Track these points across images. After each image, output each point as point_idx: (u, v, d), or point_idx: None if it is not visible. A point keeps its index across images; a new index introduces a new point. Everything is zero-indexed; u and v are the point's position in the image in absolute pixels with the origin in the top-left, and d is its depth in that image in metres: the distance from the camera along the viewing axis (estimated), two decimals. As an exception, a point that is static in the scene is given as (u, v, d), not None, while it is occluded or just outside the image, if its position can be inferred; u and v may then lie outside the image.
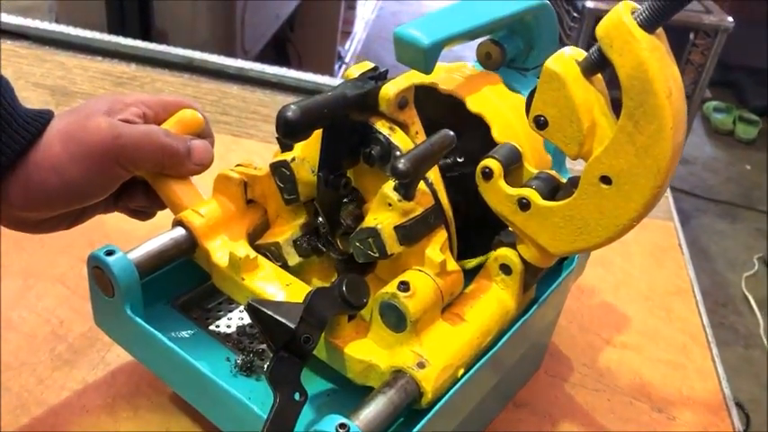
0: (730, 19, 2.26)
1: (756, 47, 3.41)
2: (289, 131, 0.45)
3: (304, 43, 2.64)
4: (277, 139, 0.55)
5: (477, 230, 0.56)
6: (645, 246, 0.91)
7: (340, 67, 2.82)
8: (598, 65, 0.43)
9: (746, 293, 2.46)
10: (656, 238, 0.93)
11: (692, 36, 2.29)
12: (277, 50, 2.56)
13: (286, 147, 0.55)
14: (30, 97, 1.03)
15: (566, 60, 0.44)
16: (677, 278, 0.87)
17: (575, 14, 2.28)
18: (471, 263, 0.58)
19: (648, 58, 0.40)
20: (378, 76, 0.51)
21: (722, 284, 2.51)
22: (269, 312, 0.45)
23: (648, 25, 0.40)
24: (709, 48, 2.30)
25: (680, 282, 0.86)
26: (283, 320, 0.44)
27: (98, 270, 0.52)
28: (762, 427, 1.99)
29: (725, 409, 0.70)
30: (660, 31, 0.41)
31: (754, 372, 2.18)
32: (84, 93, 1.07)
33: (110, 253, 0.51)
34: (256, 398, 0.51)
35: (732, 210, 2.93)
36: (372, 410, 0.44)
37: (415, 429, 0.45)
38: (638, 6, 0.41)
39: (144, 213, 0.62)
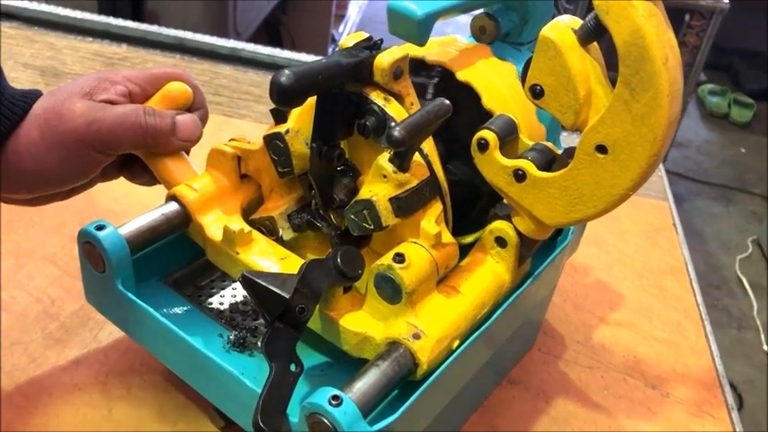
0: (726, 0, 2.26)
1: (751, 30, 3.41)
2: (282, 97, 0.44)
3: (297, 26, 2.63)
4: (271, 111, 0.55)
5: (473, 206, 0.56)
6: (639, 225, 0.91)
7: (333, 50, 2.80)
8: (594, 33, 0.43)
9: (740, 276, 2.47)
10: (650, 217, 0.93)
11: (687, 17, 2.28)
12: (270, 34, 2.54)
13: (280, 119, 0.55)
14: (19, 78, 1.02)
15: (562, 28, 0.44)
16: (671, 257, 0.87)
17: (569, -5, 2.27)
18: (467, 238, 0.57)
19: (645, 24, 0.39)
20: (372, 46, 0.51)
21: (716, 267, 2.52)
22: (263, 283, 0.44)
23: (645, -9, 0.40)
24: (705, 29, 2.29)
25: (674, 261, 0.86)
26: (278, 291, 0.44)
27: (89, 245, 0.51)
28: (754, 408, 2.01)
29: (718, 386, 0.70)
30: (657, -3, 0.41)
31: (747, 353, 2.19)
32: (74, 73, 1.06)
33: (100, 228, 0.51)
34: (249, 373, 0.50)
35: (726, 193, 2.93)
36: (366, 382, 0.43)
37: (411, 399, 0.44)
38: (635, -28, 0.40)
39: (148, 183, 0.61)
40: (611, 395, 0.68)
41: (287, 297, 0.44)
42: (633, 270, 0.83)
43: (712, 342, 0.76)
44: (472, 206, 0.56)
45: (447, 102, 0.47)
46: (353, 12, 3.27)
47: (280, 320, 0.45)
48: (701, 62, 2.35)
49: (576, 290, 0.79)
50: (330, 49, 2.78)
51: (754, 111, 3.37)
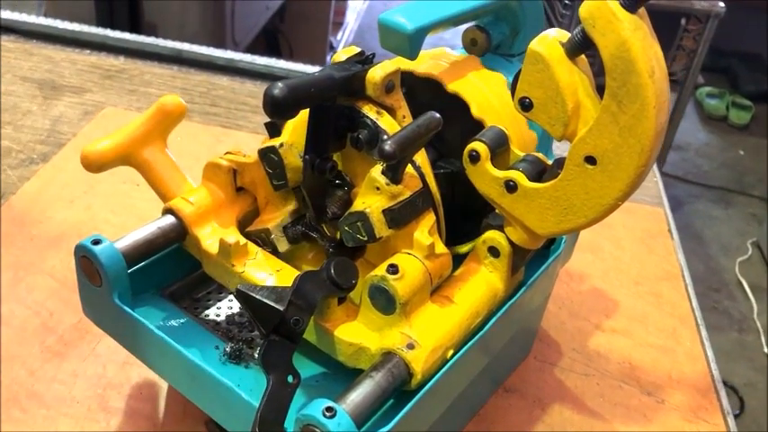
0: (722, 4, 2.26)
1: (749, 32, 3.41)
2: (275, 109, 0.45)
3: (295, 34, 2.64)
4: (265, 125, 0.55)
5: (466, 217, 0.56)
6: (634, 231, 0.91)
7: (331, 57, 2.81)
8: (582, 46, 0.43)
9: (740, 278, 2.47)
10: (645, 223, 0.93)
11: (683, 21, 2.29)
12: (268, 42, 2.55)
13: (274, 133, 0.55)
14: (17, 91, 1.02)
15: (550, 42, 0.44)
16: (667, 263, 0.87)
17: (566, 1, 2.28)
18: (461, 248, 0.58)
19: (631, 38, 0.40)
20: (364, 61, 0.51)
21: (716, 270, 2.53)
22: (257, 297, 0.45)
23: (631, 6, 0.40)
24: (701, 33, 2.30)
25: (669, 267, 0.86)
26: (272, 304, 0.44)
27: (85, 259, 0.52)
28: (756, 411, 2.01)
29: (713, 392, 0.71)
30: (642, 11, 0.41)
31: (748, 356, 2.19)
32: (72, 86, 1.07)
33: (96, 242, 0.51)
34: (245, 385, 0.51)
35: (725, 195, 2.94)
36: (360, 394, 0.44)
37: (405, 409, 0.45)
38: (621, -14, 0.41)
39: None
40: (606, 402, 0.68)
41: (281, 310, 0.44)
42: (629, 277, 0.84)
43: (708, 348, 0.76)
44: (464, 217, 0.57)
45: (437, 115, 0.48)
46: (351, 19, 3.28)
47: (275, 333, 0.45)
48: (698, 65, 2.36)
49: (571, 297, 0.80)
50: (328, 57, 2.79)
51: (752, 113, 3.37)
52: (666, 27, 2.28)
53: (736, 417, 1.98)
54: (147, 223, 0.55)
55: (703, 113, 3.43)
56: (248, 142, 0.99)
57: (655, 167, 1.07)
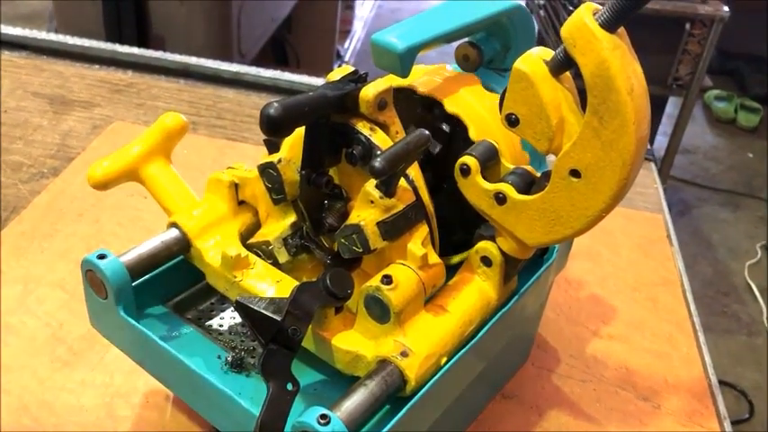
0: (726, 8, 2.27)
1: (756, 34, 3.41)
2: (271, 127, 0.47)
3: (302, 44, 2.66)
4: (264, 141, 0.57)
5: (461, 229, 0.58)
6: (633, 238, 0.92)
7: (339, 66, 2.84)
8: (564, 64, 0.45)
9: (749, 281, 2.46)
10: (644, 230, 0.94)
11: (687, 26, 2.29)
12: (275, 52, 2.58)
13: (273, 149, 0.57)
14: (28, 106, 1.05)
15: (534, 60, 0.46)
16: (664, 269, 0.88)
17: (570, 8, 2.29)
18: (455, 259, 0.59)
19: (609, 57, 0.42)
20: (358, 79, 0.53)
21: (725, 273, 2.52)
22: (256, 308, 0.47)
23: (609, 25, 0.42)
24: (706, 37, 2.31)
25: (667, 273, 0.87)
26: (270, 314, 0.46)
27: (91, 273, 0.54)
28: (765, 414, 2.00)
29: (709, 396, 0.72)
30: (621, 30, 0.43)
31: (757, 359, 2.19)
32: (81, 101, 1.09)
33: (102, 257, 0.53)
34: (246, 393, 0.52)
35: (734, 198, 2.93)
36: (354, 401, 0.45)
37: (399, 415, 0.46)
38: (600, 8, 0.42)
39: None
40: (603, 408, 0.69)
41: (279, 320, 0.46)
42: (626, 283, 0.85)
43: (705, 353, 0.77)
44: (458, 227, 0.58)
45: (426, 132, 0.50)
46: (358, 27, 3.31)
47: (274, 342, 0.47)
48: (703, 69, 2.36)
49: (569, 304, 0.81)
50: (336, 65, 2.81)
51: (761, 115, 3.36)
52: (671, 32, 2.28)
53: (744, 420, 1.99)
54: (151, 237, 0.57)
55: (712, 117, 3.43)
56: (253, 154, 1.01)
57: (656, 175, 1.08)
